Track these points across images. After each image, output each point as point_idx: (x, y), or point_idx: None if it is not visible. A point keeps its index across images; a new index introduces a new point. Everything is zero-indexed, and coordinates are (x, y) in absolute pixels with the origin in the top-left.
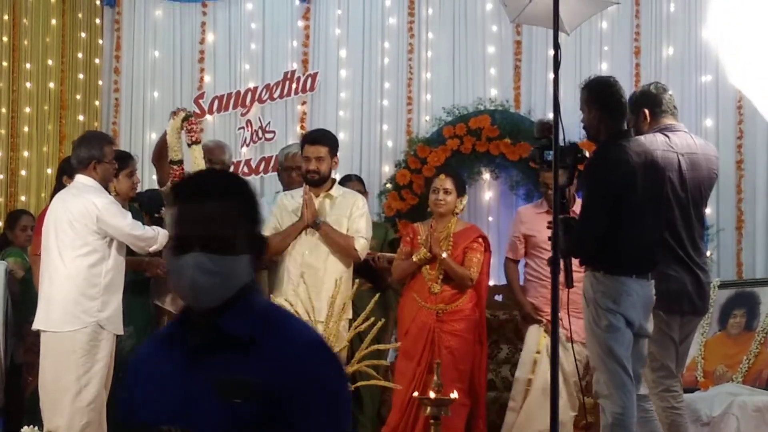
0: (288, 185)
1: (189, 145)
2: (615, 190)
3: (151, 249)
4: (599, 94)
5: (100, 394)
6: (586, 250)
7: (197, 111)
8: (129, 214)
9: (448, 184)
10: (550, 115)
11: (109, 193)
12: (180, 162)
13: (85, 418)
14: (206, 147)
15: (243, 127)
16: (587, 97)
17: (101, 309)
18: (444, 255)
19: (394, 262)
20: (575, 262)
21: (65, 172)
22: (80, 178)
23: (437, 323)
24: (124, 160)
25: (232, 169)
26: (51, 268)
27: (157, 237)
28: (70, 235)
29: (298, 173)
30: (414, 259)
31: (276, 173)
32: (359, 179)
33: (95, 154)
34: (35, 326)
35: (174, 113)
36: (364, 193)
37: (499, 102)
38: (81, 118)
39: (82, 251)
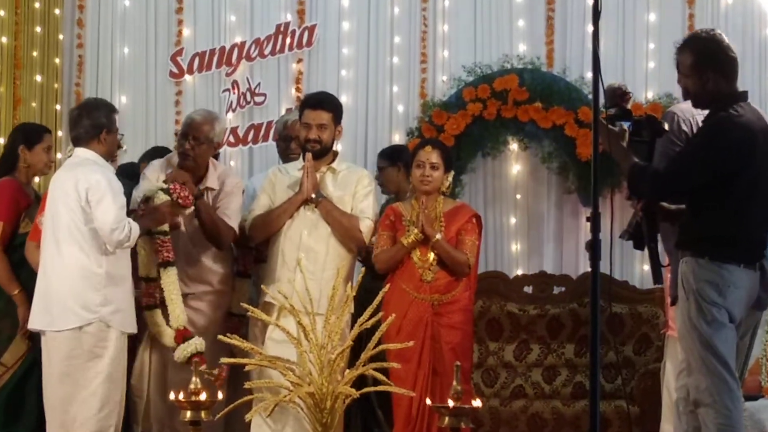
0: (286, 158)
1: (160, 264)
2: (729, 168)
3: (121, 246)
4: (710, 54)
5: (111, 399)
6: (650, 190)
7: (175, 71)
8: (122, 202)
9: (435, 157)
10: (589, 75)
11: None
12: (148, 200)
13: (95, 428)
14: (190, 120)
15: (228, 90)
16: (695, 61)
17: (103, 303)
18: (438, 236)
19: (374, 250)
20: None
21: (21, 142)
22: (80, 152)
23: (434, 316)
24: (39, 134)
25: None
26: (47, 258)
27: (129, 235)
28: (65, 218)
29: (296, 144)
30: (404, 242)
31: (269, 143)
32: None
33: (104, 123)
34: (31, 326)
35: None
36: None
37: (529, 59)
38: (38, 78)
39: (78, 236)
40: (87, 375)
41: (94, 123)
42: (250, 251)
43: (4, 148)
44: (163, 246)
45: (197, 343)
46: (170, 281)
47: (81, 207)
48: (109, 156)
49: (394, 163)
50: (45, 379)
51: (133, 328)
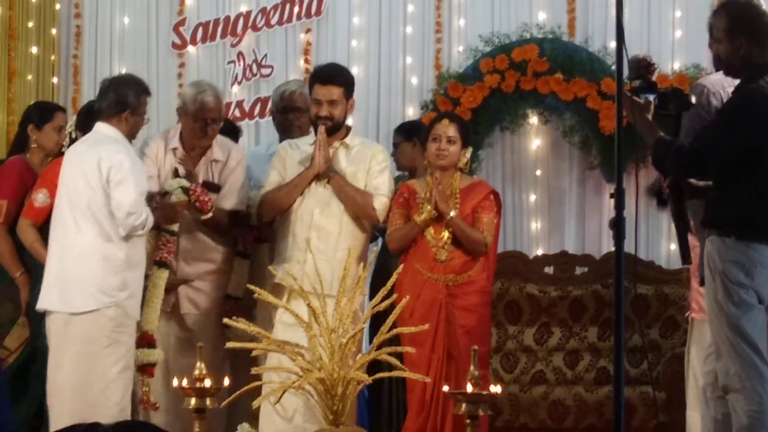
0: (284, 132)
1: (156, 262)
2: (757, 142)
3: (134, 232)
4: (745, 19)
5: (128, 389)
6: (678, 166)
7: (177, 42)
8: (144, 189)
9: (452, 131)
10: (613, 44)
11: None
12: (165, 194)
13: (116, 418)
14: (204, 103)
15: (233, 61)
16: (728, 25)
17: (120, 288)
18: (453, 213)
19: (388, 229)
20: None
21: (31, 121)
22: (101, 127)
23: (448, 298)
24: (50, 112)
25: None
26: (62, 237)
27: (145, 223)
28: (84, 197)
29: (296, 116)
30: (416, 220)
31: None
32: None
33: (131, 102)
34: (41, 306)
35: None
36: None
37: (549, 29)
38: (34, 50)
39: (101, 216)
40: (105, 362)
41: (119, 100)
42: (251, 230)
43: (18, 126)
44: (165, 245)
45: (158, 355)
46: (158, 283)
47: (102, 187)
48: (131, 136)
49: (409, 138)
50: (54, 363)
51: (138, 315)
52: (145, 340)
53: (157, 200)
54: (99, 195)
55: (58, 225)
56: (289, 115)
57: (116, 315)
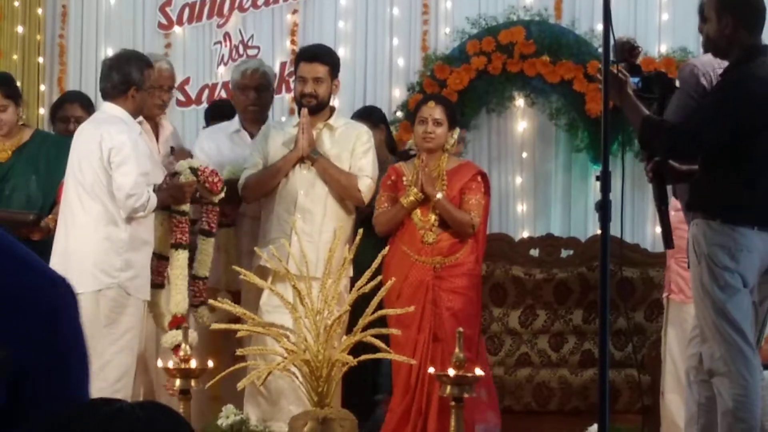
0: (243, 111)
1: (173, 245)
2: (748, 123)
3: (135, 214)
4: None
5: (128, 372)
6: (671, 146)
7: (164, 22)
8: (146, 169)
9: (438, 113)
10: (599, 26)
11: None
12: (174, 174)
13: None
14: (162, 70)
15: (220, 42)
16: (718, 4)
17: (123, 268)
18: (439, 195)
19: (375, 212)
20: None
21: None
22: (107, 108)
23: (435, 280)
24: None
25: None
26: (68, 216)
27: (146, 205)
28: (88, 175)
29: (257, 95)
30: (403, 202)
31: None
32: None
33: (135, 79)
34: None
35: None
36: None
37: (536, 11)
38: (20, 29)
39: (104, 196)
40: (102, 342)
41: (123, 78)
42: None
43: None
44: (178, 227)
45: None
46: (179, 264)
47: (104, 167)
48: (138, 114)
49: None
50: None
51: (148, 296)
52: (174, 323)
53: (166, 181)
54: (101, 175)
55: (66, 204)
56: (249, 94)
57: (116, 295)
